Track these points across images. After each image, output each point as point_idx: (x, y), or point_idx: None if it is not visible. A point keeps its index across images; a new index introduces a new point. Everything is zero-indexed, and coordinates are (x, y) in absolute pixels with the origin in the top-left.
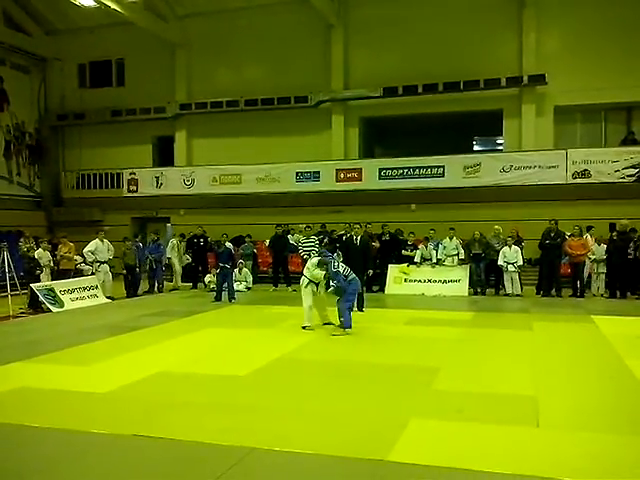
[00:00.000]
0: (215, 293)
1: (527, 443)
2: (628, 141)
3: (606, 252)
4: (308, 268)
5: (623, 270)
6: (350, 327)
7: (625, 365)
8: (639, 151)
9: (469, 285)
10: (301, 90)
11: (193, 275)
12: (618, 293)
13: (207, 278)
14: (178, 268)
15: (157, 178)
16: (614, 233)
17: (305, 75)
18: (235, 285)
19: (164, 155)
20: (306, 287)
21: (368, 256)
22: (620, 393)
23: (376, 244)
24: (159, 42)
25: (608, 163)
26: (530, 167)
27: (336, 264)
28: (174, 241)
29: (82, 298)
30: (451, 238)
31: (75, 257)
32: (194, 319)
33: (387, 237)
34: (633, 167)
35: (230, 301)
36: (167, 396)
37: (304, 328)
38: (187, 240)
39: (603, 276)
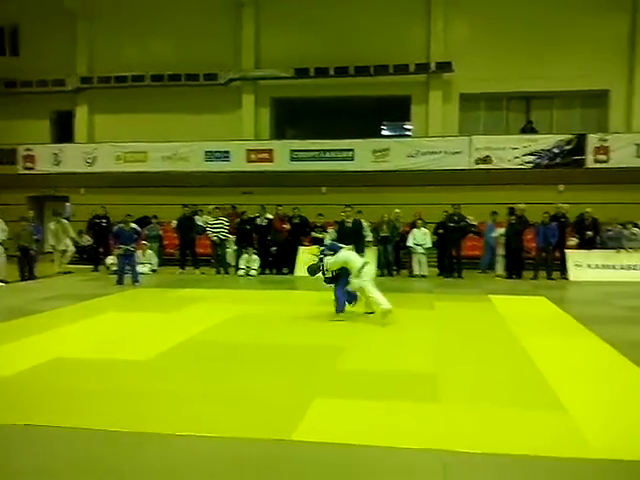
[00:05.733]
0: (117, 276)
1: (426, 418)
2: (527, 129)
3: (504, 235)
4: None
5: (520, 253)
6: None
7: (518, 341)
8: (536, 139)
9: (377, 267)
10: (210, 67)
11: (94, 257)
12: (515, 274)
13: (109, 260)
14: (57, 253)
15: (55, 155)
16: (512, 217)
17: (215, 52)
18: (139, 267)
19: (63, 131)
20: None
21: (361, 239)
22: (514, 368)
23: (286, 226)
24: (58, 10)
25: (508, 150)
26: (436, 152)
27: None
28: (52, 225)
29: None
30: None
31: None
32: (95, 303)
33: (297, 220)
34: (531, 154)
35: (134, 284)
36: (64, 383)
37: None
38: (88, 220)
39: (502, 258)
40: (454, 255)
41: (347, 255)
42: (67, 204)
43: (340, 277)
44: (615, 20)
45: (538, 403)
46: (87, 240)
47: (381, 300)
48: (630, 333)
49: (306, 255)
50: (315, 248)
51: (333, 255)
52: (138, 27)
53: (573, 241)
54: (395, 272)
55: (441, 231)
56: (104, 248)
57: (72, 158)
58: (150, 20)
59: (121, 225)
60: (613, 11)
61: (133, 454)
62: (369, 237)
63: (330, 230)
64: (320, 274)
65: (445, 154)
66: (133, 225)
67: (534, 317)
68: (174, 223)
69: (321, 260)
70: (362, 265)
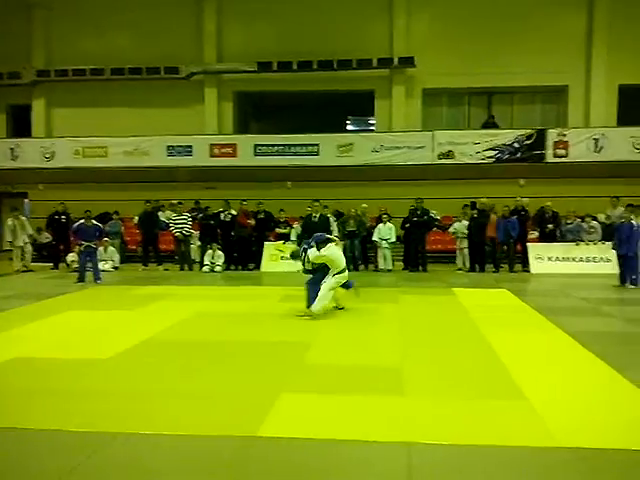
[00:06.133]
0: (78, 274)
1: (392, 411)
2: (488, 124)
3: (467, 229)
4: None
5: (482, 246)
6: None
7: (481, 334)
8: (497, 134)
9: None
10: (172, 61)
11: (54, 254)
12: (477, 267)
13: (69, 257)
14: (16, 250)
15: (12, 150)
16: (474, 211)
17: (176, 45)
18: (100, 265)
19: (20, 125)
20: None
21: (328, 234)
22: (477, 360)
23: (251, 221)
24: None
25: (470, 145)
26: (399, 147)
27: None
28: (9, 222)
29: None
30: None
31: None
32: (55, 301)
33: (262, 215)
34: (492, 149)
35: (95, 282)
36: (24, 383)
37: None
38: (48, 217)
39: (466, 251)
40: (419, 249)
41: (334, 254)
42: (25, 200)
43: (317, 272)
44: (573, 17)
45: (501, 394)
46: (46, 237)
47: (318, 306)
48: (588, 324)
49: (272, 250)
50: (280, 243)
51: (319, 247)
52: (97, 18)
53: (533, 234)
54: (362, 266)
55: (408, 225)
56: (64, 245)
57: (30, 153)
58: (110, 11)
59: (82, 221)
60: (571, 7)
61: (96, 454)
62: (335, 232)
63: (295, 225)
64: (300, 262)
65: (408, 149)
66: (95, 222)
67: (497, 309)
68: (136, 219)
69: (305, 251)
70: (342, 269)
